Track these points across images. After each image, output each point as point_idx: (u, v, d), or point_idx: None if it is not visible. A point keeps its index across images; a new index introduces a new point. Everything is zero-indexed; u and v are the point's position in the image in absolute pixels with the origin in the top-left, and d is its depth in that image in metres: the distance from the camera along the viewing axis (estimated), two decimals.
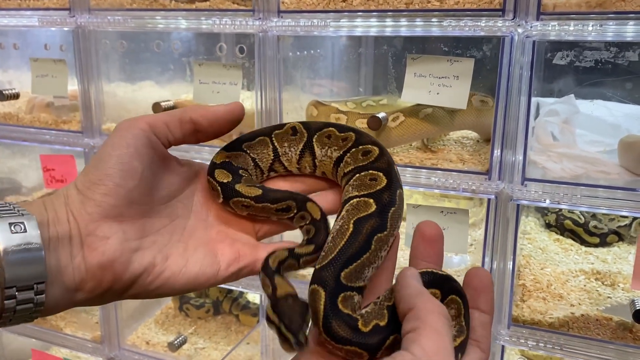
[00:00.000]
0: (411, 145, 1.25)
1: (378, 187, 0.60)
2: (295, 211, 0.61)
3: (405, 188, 1.16)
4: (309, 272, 1.09)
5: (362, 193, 0.60)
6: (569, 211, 1.43)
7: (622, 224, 1.40)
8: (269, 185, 0.67)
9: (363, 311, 0.53)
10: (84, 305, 0.54)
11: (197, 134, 0.58)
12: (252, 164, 0.66)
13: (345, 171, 0.64)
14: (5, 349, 1.82)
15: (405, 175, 1.15)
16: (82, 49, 1.38)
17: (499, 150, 1.07)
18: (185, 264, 0.56)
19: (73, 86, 1.45)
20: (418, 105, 1.17)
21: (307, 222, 0.61)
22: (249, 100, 1.33)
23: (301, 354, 0.53)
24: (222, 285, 1.43)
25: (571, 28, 0.98)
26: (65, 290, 0.50)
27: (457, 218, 1.13)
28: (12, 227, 0.47)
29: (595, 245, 1.39)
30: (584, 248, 1.38)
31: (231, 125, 0.59)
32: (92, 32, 1.37)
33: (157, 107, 1.32)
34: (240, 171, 0.64)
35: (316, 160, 0.66)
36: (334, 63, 1.40)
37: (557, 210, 1.46)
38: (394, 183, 0.60)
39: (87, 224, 0.51)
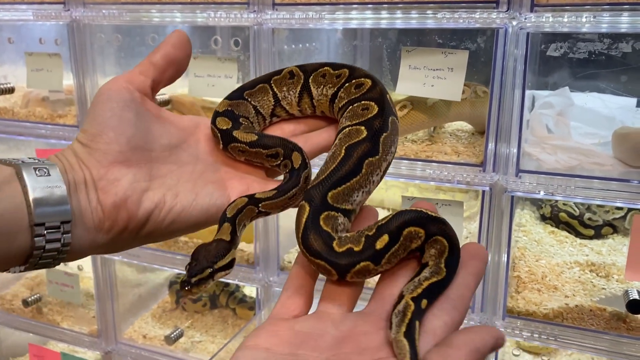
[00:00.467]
0: (406, 138, 1.25)
1: (369, 115, 0.61)
2: (281, 158, 0.62)
3: (400, 180, 1.17)
4: None
5: (354, 122, 0.61)
6: (564, 204, 1.44)
7: (617, 216, 1.40)
8: (272, 128, 0.69)
9: (343, 235, 0.54)
10: (105, 252, 0.57)
11: (171, 67, 0.61)
12: (254, 112, 0.68)
13: (340, 105, 0.65)
14: (2, 344, 1.83)
15: (401, 168, 1.15)
16: (77, 42, 1.38)
17: (493, 143, 1.08)
18: (195, 197, 0.58)
19: (69, 81, 1.45)
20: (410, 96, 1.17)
21: (287, 171, 0.62)
22: None
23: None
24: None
25: (565, 20, 0.98)
26: (87, 231, 0.54)
27: (452, 210, 1.13)
28: (37, 172, 0.51)
29: (590, 238, 1.40)
30: (578, 240, 1.39)
31: (189, 45, 0.63)
32: (87, 25, 1.37)
33: None
34: (241, 119, 0.66)
35: (314, 100, 0.68)
36: (329, 56, 1.40)
37: (552, 202, 1.46)
38: (385, 110, 0.61)
39: (97, 170, 0.55)
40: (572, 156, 1.10)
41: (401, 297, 0.49)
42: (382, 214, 1.55)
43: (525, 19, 1.00)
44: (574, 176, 1.05)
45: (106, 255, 1.50)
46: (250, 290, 1.68)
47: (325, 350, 0.47)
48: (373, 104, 0.62)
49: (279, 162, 0.62)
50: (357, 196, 0.57)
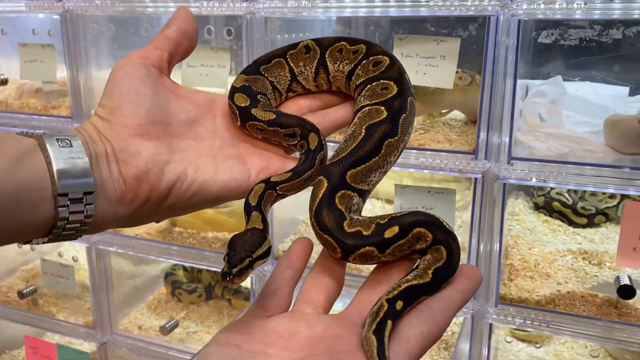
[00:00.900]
0: None
1: (389, 95, 0.61)
2: (298, 138, 0.62)
3: (395, 169, 1.17)
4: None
5: (374, 102, 0.61)
6: (557, 193, 1.44)
7: (610, 204, 1.41)
8: (288, 103, 0.69)
9: (355, 217, 0.55)
10: (127, 225, 0.57)
11: (186, 39, 0.62)
12: (271, 88, 0.68)
13: (357, 83, 0.65)
14: None
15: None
16: (71, 33, 1.38)
17: (485, 131, 1.08)
18: (216, 171, 0.58)
19: (62, 73, 1.45)
20: None
21: (303, 152, 0.62)
22: None
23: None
24: (215, 268, 1.44)
25: (557, 6, 0.98)
26: (109, 203, 0.54)
27: (444, 198, 1.14)
28: (59, 143, 0.51)
29: (583, 226, 1.41)
30: (572, 229, 1.40)
31: (195, 20, 0.64)
32: (80, 16, 1.37)
33: None
34: (259, 96, 0.65)
35: (330, 76, 0.67)
36: None
37: (546, 192, 1.47)
38: (405, 90, 0.61)
39: (118, 142, 0.55)
40: (564, 143, 1.11)
41: (379, 300, 0.50)
42: (377, 204, 1.55)
43: (517, 6, 1.00)
44: (565, 163, 1.05)
45: (101, 247, 1.50)
46: (245, 281, 1.68)
47: (296, 351, 0.47)
48: (392, 83, 0.62)
49: (296, 141, 0.63)
50: (374, 176, 0.58)
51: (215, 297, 1.69)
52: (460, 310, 1.17)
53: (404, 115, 0.60)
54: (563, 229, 1.40)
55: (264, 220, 0.56)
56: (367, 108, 0.61)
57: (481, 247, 1.14)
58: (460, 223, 1.39)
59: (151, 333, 1.59)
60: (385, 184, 1.52)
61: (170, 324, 1.55)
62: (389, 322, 0.47)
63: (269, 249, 0.52)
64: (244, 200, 0.59)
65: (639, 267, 1.13)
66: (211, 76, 1.27)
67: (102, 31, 1.45)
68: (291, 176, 0.59)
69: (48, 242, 0.53)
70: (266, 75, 0.67)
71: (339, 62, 0.67)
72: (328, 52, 0.67)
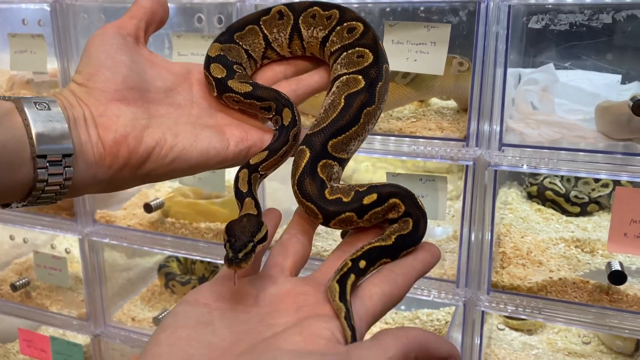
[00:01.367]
0: (391, 115, 1.25)
1: (365, 64, 0.62)
2: (273, 113, 0.63)
3: (388, 157, 1.17)
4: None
5: (351, 70, 0.62)
6: (550, 182, 1.44)
7: (603, 193, 1.41)
8: (264, 70, 0.69)
9: (336, 185, 0.58)
10: (106, 190, 0.58)
11: (160, 7, 0.63)
12: (246, 56, 0.68)
13: (332, 50, 0.65)
14: None
15: (388, 145, 1.15)
16: (61, 24, 1.37)
17: (476, 119, 1.08)
18: (195, 139, 0.59)
19: (53, 64, 1.44)
20: None
21: (277, 128, 0.63)
22: None
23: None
24: (208, 259, 1.44)
25: None
26: (88, 166, 0.54)
27: (436, 185, 1.13)
28: (37, 106, 0.52)
29: (576, 215, 1.41)
30: (564, 217, 1.40)
31: None
32: (70, 6, 1.36)
33: None
34: (235, 66, 0.66)
35: (304, 42, 0.68)
36: None
37: (539, 181, 1.47)
38: (380, 58, 0.63)
39: (96, 107, 0.56)
40: (556, 130, 1.11)
41: (343, 261, 0.52)
42: None
43: None
44: (557, 149, 1.05)
45: (94, 239, 1.50)
46: None
47: (263, 306, 0.49)
48: (368, 51, 0.63)
49: (272, 115, 0.63)
50: (353, 145, 0.60)
51: None
52: (452, 298, 1.18)
53: (380, 83, 0.61)
54: (556, 218, 1.40)
55: (257, 205, 0.56)
56: (344, 77, 0.62)
57: (472, 235, 1.13)
58: (453, 212, 1.39)
59: (145, 325, 1.58)
60: (379, 175, 1.52)
61: (163, 315, 1.55)
62: (352, 275, 0.50)
63: (267, 233, 0.53)
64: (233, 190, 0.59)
65: (630, 253, 1.13)
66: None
67: (93, 21, 1.44)
68: (268, 155, 0.60)
69: (27, 204, 0.53)
70: (240, 43, 0.67)
71: (312, 28, 0.67)
72: (301, 17, 0.67)
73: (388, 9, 1.20)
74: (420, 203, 0.56)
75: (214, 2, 1.22)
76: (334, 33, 0.66)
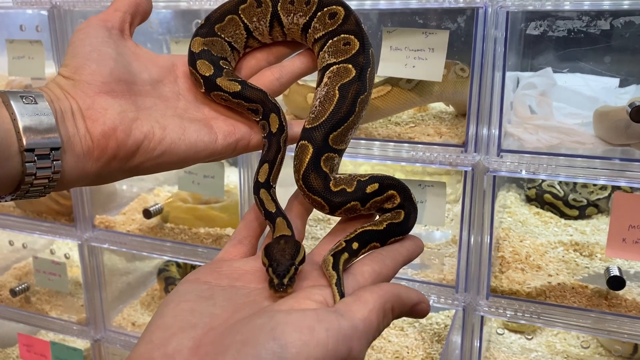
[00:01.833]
0: (389, 120, 1.25)
1: (353, 51, 0.63)
2: (260, 117, 0.63)
3: (388, 162, 1.17)
4: None
5: (340, 59, 0.63)
6: (549, 185, 1.45)
7: (601, 196, 1.41)
8: (246, 59, 0.69)
9: (338, 176, 0.61)
10: (95, 183, 0.58)
11: (143, 1, 0.63)
12: (229, 49, 0.68)
13: (316, 37, 0.66)
14: None
15: (387, 150, 1.15)
16: (59, 29, 1.37)
17: (474, 124, 1.08)
18: (184, 132, 0.59)
19: (51, 69, 1.44)
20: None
21: (265, 135, 0.63)
22: None
23: None
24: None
25: None
26: (77, 159, 0.54)
27: (435, 191, 1.14)
28: (24, 100, 0.52)
29: (575, 218, 1.41)
30: (563, 220, 1.40)
31: None
32: (68, 12, 1.36)
33: None
34: (221, 62, 0.66)
35: (285, 29, 0.68)
36: None
37: (537, 184, 1.47)
38: (365, 44, 0.64)
39: (84, 100, 0.55)
40: (554, 135, 1.11)
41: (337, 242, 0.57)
42: None
43: None
44: (555, 155, 1.05)
45: (93, 244, 1.50)
46: None
47: (262, 282, 0.52)
48: (353, 38, 0.64)
49: (259, 119, 0.63)
50: (351, 134, 0.63)
51: None
52: (452, 303, 1.18)
53: (369, 69, 0.63)
54: (554, 221, 1.40)
55: (290, 226, 0.57)
56: (335, 67, 0.63)
57: (472, 240, 1.14)
58: (451, 216, 1.39)
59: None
60: None
61: None
62: (346, 254, 0.54)
63: (305, 254, 0.54)
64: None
65: (629, 258, 1.13)
66: None
67: None
68: (269, 166, 0.61)
69: (16, 198, 0.53)
70: (222, 35, 0.67)
71: (292, 14, 0.67)
72: (280, 4, 0.67)
73: (386, 14, 1.20)
74: (413, 198, 0.60)
75: (212, 7, 1.21)
76: (315, 19, 0.66)
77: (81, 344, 1.68)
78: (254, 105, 0.63)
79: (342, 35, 0.64)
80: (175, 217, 1.47)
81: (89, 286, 1.55)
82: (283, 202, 0.64)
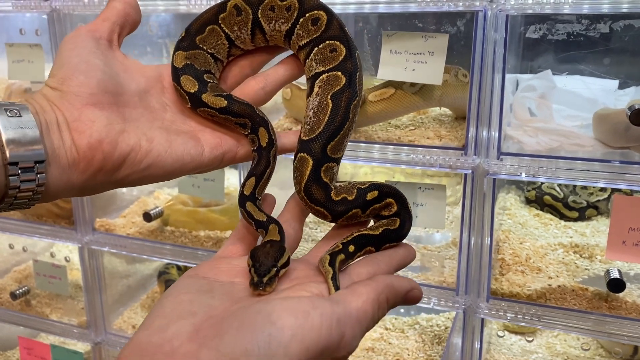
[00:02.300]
0: (389, 123, 1.25)
1: (340, 58, 0.63)
2: (249, 131, 0.64)
3: (388, 165, 1.17)
4: None
5: (329, 67, 0.63)
6: (548, 187, 1.45)
7: (601, 198, 1.41)
8: (231, 68, 0.69)
9: (338, 184, 0.62)
10: (80, 194, 0.58)
11: (133, 10, 0.63)
12: (212, 61, 0.67)
13: (301, 44, 0.65)
14: None
15: (387, 154, 1.15)
16: (58, 33, 1.37)
17: (474, 127, 1.08)
18: (170, 145, 0.60)
19: None
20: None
21: (254, 149, 0.64)
22: None
23: None
24: None
25: (544, 0, 0.98)
26: (62, 171, 0.54)
27: (435, 194, 1.14)
28: (8, 112, 0.51)
29: (575, 220, 1.41)
30: (563, 222, 1.40)
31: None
32: (67, 15, 1.35)
33: None
34: (205, 76, 0.65)
35: (266, 36, 0.67)
36: None
37: (537, 186, 1.47)
38: (352, 48, 0.64)
39: (70, 112, 0.55)
40: (553, 138, 1.11)
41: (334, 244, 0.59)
42: None
43: (505, 1, 1.00)
44: (555, 157, 1.05)
45: (94, 247, 1.50)
46: None
47: None
48: (339, 44, 0.63)
49: (247, 132, 0.64)
50: (346, 141, 0.63)
51: None
52: (452, 305, 1.18)
53: (357, 74, 0.64)
54: (554, 223, 1.40)
55: (281, 231, 0.58)
56: (324, 75, 0.63)
57: (472, 242, 1.14)
58: (451, 218, 1.40)
59: None
60: (377, 179, 1.53)
61: None
62: (342, 255, 0.55)
63: (289, 258, 0.55)
64: (239, 207, 0.62)
65: (629, 261, 1.13)
66: None
67: None
68: (256, 180, 0.62)
69: (0, 210, 0.54)
70: (204, 47, 0.66)
71: (273, 21, 0.66)
72: (260, 11, 0.66)
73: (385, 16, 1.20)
74: (409, 207, 0.63)
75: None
76: (298, 26, 0.65)
77: (82, 347, 1.68)
78: (242, 119, 0.63)
79: (327, 42, 0.64)
80: (176, 220, 1.47)
81: (89, 289, 1.55)
82: (283, 202, 0.65)
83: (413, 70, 1.08)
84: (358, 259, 0.58)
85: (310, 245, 1.38)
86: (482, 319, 1.17)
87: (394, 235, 0.60)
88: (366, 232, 0.60)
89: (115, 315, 1.64)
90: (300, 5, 0.65)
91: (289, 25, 0.65)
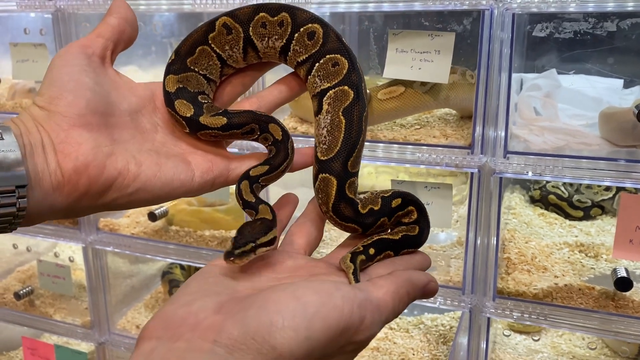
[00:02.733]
0: (395, 122, 1.25)
1: (344, 71, 0.62)
2: (258, 133, 0.63)
3: (392, 164, 1.17)
4: None
5: (334, 82, 0.62)
6: (553, 186, 1.45)
7: (606, 197, 1.41)
8: (224, 87, 0.68)
9: (361, 196, 0.63)
10: (64, 217, 0.57)
11: (129, 26, 0.62)
12: (205, 82, 0.65)
13: (299, 60, 0.64)
14: None
15: (392, 152, 1.15)
16: (62, 32, 1.36)
17: (480, 126, 1.08)
18: (160, 169, 0.58)
19: None
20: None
21: (270, 143, 0.63)
22: None
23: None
24: None
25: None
26: (45, 194, 0.52)
27: (441, 193, 1.14)
28: None
29: (580, 219, 1.41)
30: (568, 221, 1.40)
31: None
32: (72, 15, 1.35)
33: None
34: (200, 97, 0.63)
35: (260, 53, 0.65)
36: None
37: (542, 185, 1.47)
38: (353, 60, 0.63)
39: (57, 133, 0.53)
40: (559, 137, 1.11)
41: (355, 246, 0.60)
42: None
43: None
44: (561, 156, 1.05)
45: (98, 247, 1.50)
46: None
47: (282, 273, 0.55)
48: (340, 57, 0.62)
49: (256, 136, 0.63)
50: (362, 153, 0.64)
51: None
52: (459, 305, 1.18)
53: (363, 84, 0.63)
54: (559, 222, 1.40)
55: (273, 211, 0.58)
56: (331, 91, 0.62)
57: (478, 241, 1.14)
58: (457, 217, 1.39)
59: None
60: (382, 179, 1.52)
61: None
62: (363, 256, 0.57)
63: (274, 238, 0.55)
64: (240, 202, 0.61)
65: (636, 259, 1.13)
66: None
67: None
68: (269, 169, 0.61)
69: None
70: (196, 69, 0.64)
71: (266, 38, 0.64)
72: (251, 28, 0.64)
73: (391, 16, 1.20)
74: (428, 216, 0.65)
75: (216, 10, 1.22)
76: (294, 42, 0.63)
77: (85, 347, 1.68)
78: (247, 127, 0.62)
79: (328, 57, 0.62)
80: (180, 219, 1.47)
81: (93, 289, 1.55)
82: (303, 203, 0.66)
83: (419, 69, 1.08)
84: (377, 262, 0.60)
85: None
86: (489, 318, 1.17)
87: (413, 241, 0.62)
88: (386, 236, 0.61)
89: (119, 316, 1.64)
90: (293, 19, 0.63)
91: (284, 41, 0.63)
